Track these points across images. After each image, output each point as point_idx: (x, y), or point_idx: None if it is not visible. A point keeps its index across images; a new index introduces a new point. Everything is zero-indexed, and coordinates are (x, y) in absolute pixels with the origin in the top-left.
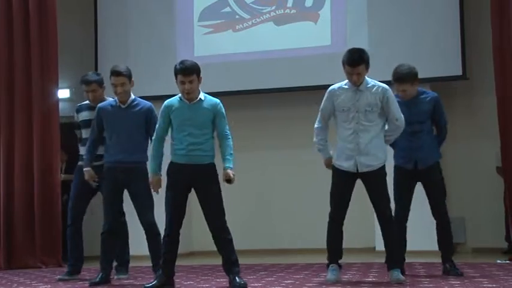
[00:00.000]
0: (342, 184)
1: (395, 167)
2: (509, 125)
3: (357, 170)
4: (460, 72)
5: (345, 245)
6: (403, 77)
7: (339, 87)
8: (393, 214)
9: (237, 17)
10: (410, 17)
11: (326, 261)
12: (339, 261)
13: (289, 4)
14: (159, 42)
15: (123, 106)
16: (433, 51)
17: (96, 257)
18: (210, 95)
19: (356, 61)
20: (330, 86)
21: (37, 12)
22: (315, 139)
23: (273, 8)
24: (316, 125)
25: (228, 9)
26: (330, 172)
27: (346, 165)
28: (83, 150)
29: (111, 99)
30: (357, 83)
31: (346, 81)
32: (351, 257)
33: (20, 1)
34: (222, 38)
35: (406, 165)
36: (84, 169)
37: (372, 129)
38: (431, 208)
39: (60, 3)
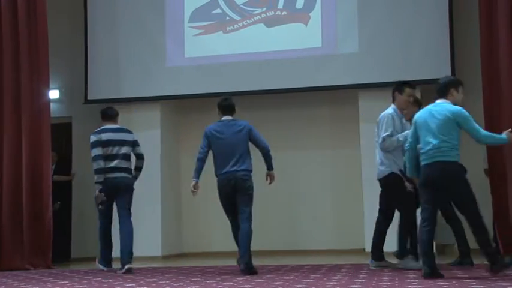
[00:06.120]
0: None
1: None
2: (495, 128)
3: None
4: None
5: (334, 246)
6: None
7: None
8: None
9: (227, 18)
10: (400, 19)
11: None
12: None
13: (280, 6)
14: (149, 43)
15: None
16: (423, 53)
17: (87, 259)
18: (200, 96)
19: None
20: (321, 87)
21: (26, 12)
22: None
23: (264, 9)
24: None
25: (218, 10)
26: (323, 178)
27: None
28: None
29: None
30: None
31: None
32: (340, 259)
33: (9, 2)
34: (212, 39)
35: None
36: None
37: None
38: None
39: (50, 4)
